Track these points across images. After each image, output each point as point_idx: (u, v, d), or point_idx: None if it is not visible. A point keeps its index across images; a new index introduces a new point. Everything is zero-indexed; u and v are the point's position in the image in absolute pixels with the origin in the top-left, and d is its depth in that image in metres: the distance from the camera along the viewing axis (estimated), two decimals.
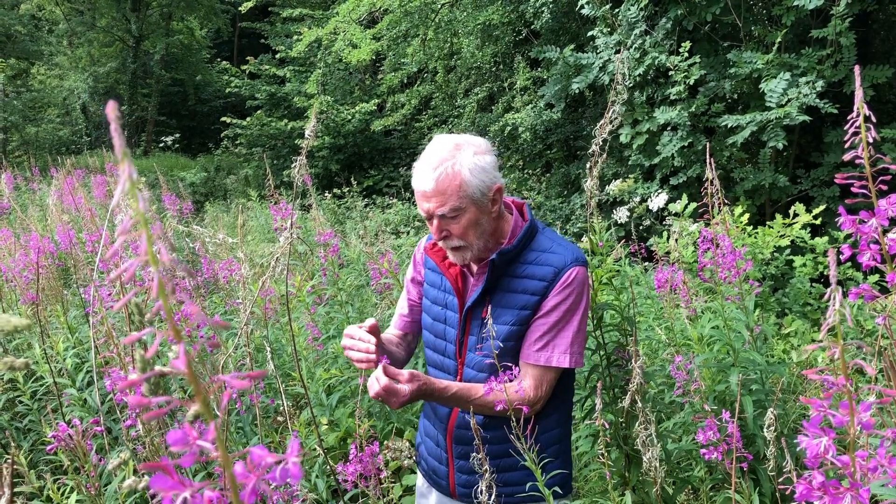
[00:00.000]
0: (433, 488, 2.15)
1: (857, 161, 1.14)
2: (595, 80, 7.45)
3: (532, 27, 9.73)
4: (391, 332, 2.20)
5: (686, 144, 6.78)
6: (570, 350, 1.88)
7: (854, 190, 1.14)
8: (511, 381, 1.77)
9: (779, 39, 6.03)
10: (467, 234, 1.85)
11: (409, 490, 3.27)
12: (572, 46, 8.04)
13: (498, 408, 1.76)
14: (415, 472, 2.77)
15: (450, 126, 11.66)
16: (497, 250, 1.90)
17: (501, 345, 1.88)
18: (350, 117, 14.14)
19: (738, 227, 5.13)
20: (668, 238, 5.52)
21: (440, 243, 1.90)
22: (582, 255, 1.93)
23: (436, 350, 2.06)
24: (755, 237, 5.31)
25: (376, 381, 1.76)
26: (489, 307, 1.87)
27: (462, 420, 1.96)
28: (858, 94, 1.12)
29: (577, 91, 7.71)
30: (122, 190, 0.51)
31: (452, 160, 1.80)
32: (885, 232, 1.12)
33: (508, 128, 9.69)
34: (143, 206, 0.51)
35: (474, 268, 1.98)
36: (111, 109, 0.52)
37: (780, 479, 1.61)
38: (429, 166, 1.81)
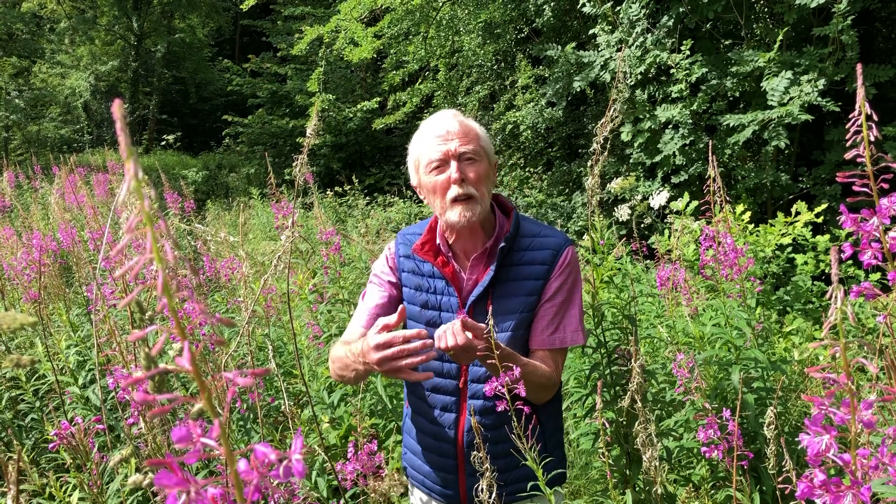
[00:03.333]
0: (434, 499, 2.10)
1: (859, 160, 1.14)
2: (596, 78, 7.45)
3: (533, 25, 9.73)
4: (357, 333, 2.01)
5: (687, 142, 6.78)
6: (578, 327, 1.93)
7: (855, 188, 1.15)
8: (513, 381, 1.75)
9: (780, 38, 6.03)
10: (480, 185, 1.87)
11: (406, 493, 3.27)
12: (574, 44, 8.04)
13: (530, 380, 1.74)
14: None
15: None
16: (491, 239, 1.92)
17: (511, 334, 1.88)
18: (351, 115, 14.17)
19: (739, 225, 5.13)
20: (669, 236, 5.53)
21: (454, 189, 1.83)
22: (567, 235, 1.99)
23: None
24: (757, 235, 5.32)
25: (453, 334, 1.60)
26: (490, 300, 1.87)
27: (471, 425, 1.93)
28: (860, 93, 1.12)
29: (578, 89, 7.71)
30: (127, 188, 0.51)
31: (464, 117, 1.93)
32: (886, 230, 1.12)
33: (510, 126, 9.69)
34: (149, 205, 0.51)
35: (466, 263, 1.96)
36: (117, 109, 0.52)
37: (780, 478, 1.61)
38: (447, 116, 1.90)
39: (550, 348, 1.90)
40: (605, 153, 2.50)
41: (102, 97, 21.53)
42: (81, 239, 5.72)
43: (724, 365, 2.97)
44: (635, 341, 2.14)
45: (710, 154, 2.90)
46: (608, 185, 7.30)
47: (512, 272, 1.91)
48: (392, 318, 1.71)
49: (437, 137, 1.87)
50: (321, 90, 12.07)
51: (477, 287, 1.90)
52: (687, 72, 6.67)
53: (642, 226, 7.08)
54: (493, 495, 1.63)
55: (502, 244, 1.88)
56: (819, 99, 5.74)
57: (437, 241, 1.96)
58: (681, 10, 6.85)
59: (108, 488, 2.70)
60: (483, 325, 1.63)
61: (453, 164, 1.84)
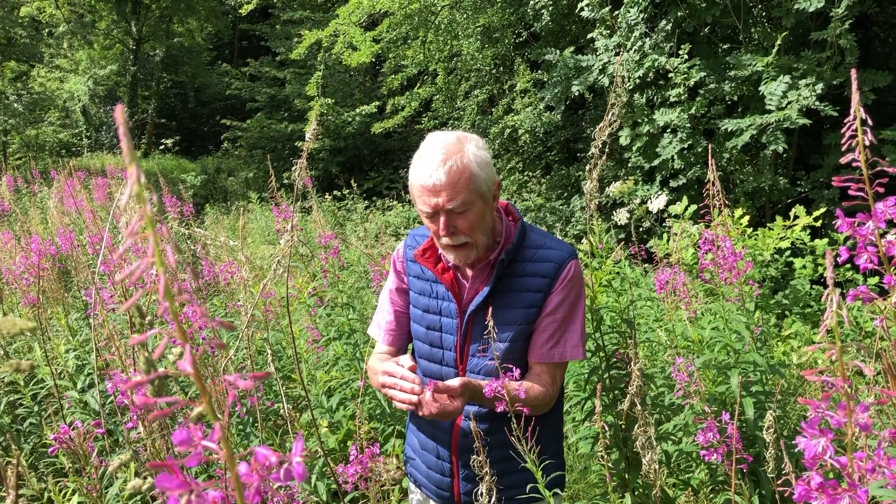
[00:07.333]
0: (431, 500, 2.12)
1: (854, 164, 1.15)
2: (595, 82, 7.46)
3: (532, 29, 9.75)
4: (381, 351, 2.12)
5: (686, 146, 6.79)
6: (579, 342, 1.92)
7: (851, 193, 1.15)
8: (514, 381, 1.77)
9: (779, 42, 6.04)
10: (474, 230, 1.82)
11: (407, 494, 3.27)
12: (572, 49, 8.06)
13: (525, 402, 1.76)
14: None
15: (450, 128, 11.63)
16: (497, 250, 1.90)
17: (509, 345, 1.88)
18: (350, 119, 14.18)
19: (738, 228, 5.14)
20: (668, 240, 5.53)
21: (445, 240, 1.83)
22: (573, 248, 1.95)
23: (432, 360, 2.01)
24: (755, 239, 5.32)
25: (428, 405, 1.73)
26: (491, 309, 1.86)
27: (466, 429, 1.94)
28: (855, 98, 1.13)
29: (576, 93, 7.73)
30: (130, 193, 0.51)
31: (460, 153, 1.78)
32: (882, 235, 1.13)
33: (508, 130, 9.69)
34: (151, 209, 0.52)
35: (468, 272, 1.95)
36: (119, 114, 0.53)
37: (779, 481, 1.62)
38: (437, 160, 1.76)
39: (549, 362, 1.90)
40: (604, 157, 2.51)
41: (101, 101, 21.54)
42: (80, 243, 5.72)
43: (723, 368, 2.98)
44: (634, 345, 2.15)
45: (709, 158, 2.91)
46: (607, 188, 7.30)
47: (513, 283, 1.90)
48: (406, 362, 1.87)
49: (425, 188, 1.78)
50: (320, 94, 12.08)
51: (476, 297, 1.90)
52: (685, 76, 6.68)
53: (641, 230, 7.09)
54: (493, 499, 1.63)
55: (501, 257, 1.87)
56: (817, 103, 5.75)
57: (440, 251, 1.96)
58: (679, 14, 6.86)
59: (107, 493, 2.69)
60: (455, 386, 1.73)
61: (442, 218, 1.79)
